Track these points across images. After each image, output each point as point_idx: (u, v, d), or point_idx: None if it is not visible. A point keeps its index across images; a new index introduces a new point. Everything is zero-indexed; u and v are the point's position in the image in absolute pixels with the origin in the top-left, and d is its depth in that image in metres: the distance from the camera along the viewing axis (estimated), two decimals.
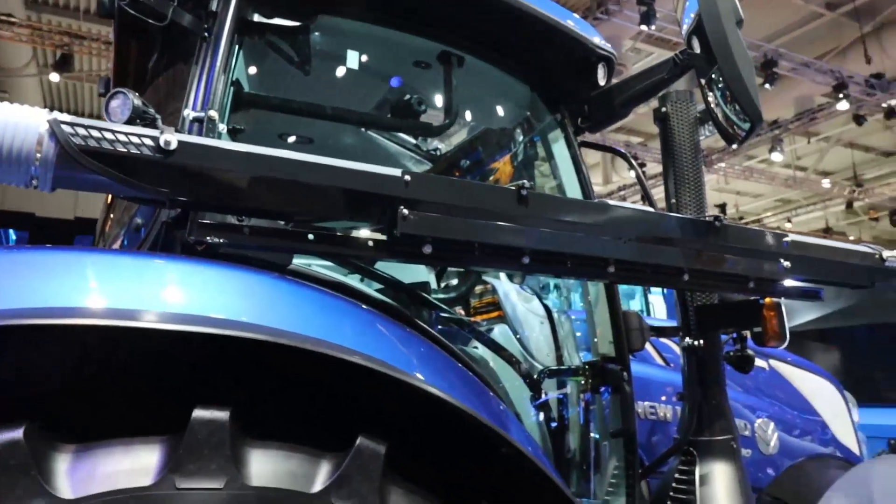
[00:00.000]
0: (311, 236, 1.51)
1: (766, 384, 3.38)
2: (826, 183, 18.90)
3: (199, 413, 1.12)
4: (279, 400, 1.26)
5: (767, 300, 2.38)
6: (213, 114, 1.66)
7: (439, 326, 2.20)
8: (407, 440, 1.29)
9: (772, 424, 3.20)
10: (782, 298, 2.39)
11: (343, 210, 1.50)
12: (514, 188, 1.66)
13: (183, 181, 1.34)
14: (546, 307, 2.76)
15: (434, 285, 2.62)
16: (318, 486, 1.18)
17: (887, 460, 3.30)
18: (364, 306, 1.50)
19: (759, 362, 3.43)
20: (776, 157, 15.58)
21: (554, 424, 2.34)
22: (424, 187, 1.57)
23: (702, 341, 2.30)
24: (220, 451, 1.11)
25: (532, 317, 2.74)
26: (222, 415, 1.13)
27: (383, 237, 1.57)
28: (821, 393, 3.56)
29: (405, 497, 1.27)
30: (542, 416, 2.31)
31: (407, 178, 1.53)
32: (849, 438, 3.59)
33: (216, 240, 1.41)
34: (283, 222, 1.49)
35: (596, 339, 2.41)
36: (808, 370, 3.61)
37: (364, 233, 1.57)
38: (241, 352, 1.15)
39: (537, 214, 1.69)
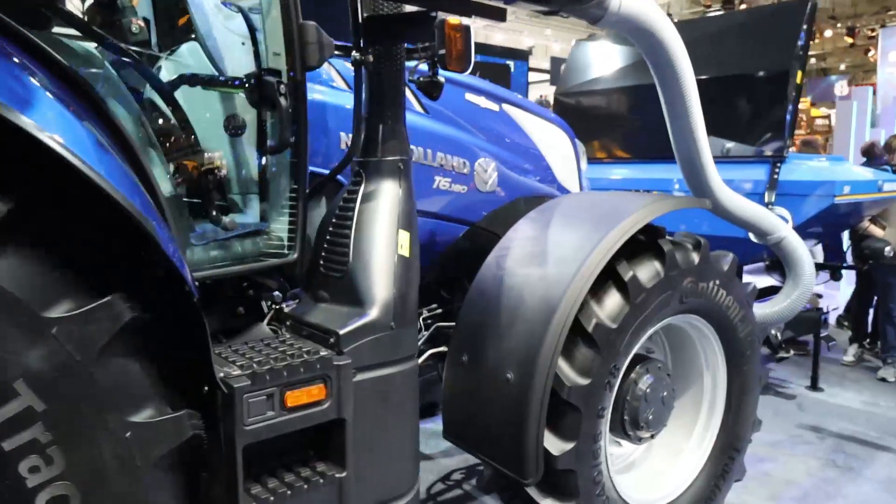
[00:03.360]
0: None
1: (495, 125, 3.44)
2: None
3: None
4: None
5: (452, 20, 2.27)
6: None
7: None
8: None
9: (493, 164, 3.31)
10: (470, 18, 2.29)
11: None
12: None
13: None
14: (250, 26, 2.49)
15: None
16: None
17: (577, 195, 3.60)
18: None
19: (488, 104, 3.46)
20: None
21: (211, 142, 2.19)
22: None
23: (370, 56, 2.18)
24: None
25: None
26: None
27: None
28: (551, 139, 3.71)
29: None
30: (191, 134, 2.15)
31: None
32: (572, 183, 3.85)
33: None
34: None
35: (271, 52, 2.21)
36: (542, 117, 3.71)
37: None
38: None
39: None
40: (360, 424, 1.98)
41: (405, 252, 2.21)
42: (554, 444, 2.45)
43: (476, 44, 2.38)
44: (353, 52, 2.17)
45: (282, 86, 2.08)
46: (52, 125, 1.33)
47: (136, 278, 1.48)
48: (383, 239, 2.19)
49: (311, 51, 2.19)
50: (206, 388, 1.70)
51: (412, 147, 2.75)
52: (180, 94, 2.13)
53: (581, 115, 6.22)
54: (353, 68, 2.29)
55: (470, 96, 3.35)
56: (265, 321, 2.32)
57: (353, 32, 2.19)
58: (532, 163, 3.60)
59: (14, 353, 1.30)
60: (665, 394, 2.87)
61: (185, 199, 2.06)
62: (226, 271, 2.11)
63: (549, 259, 2.64)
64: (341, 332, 2.03)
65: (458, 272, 3.19)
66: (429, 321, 3.15)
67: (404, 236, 2.22)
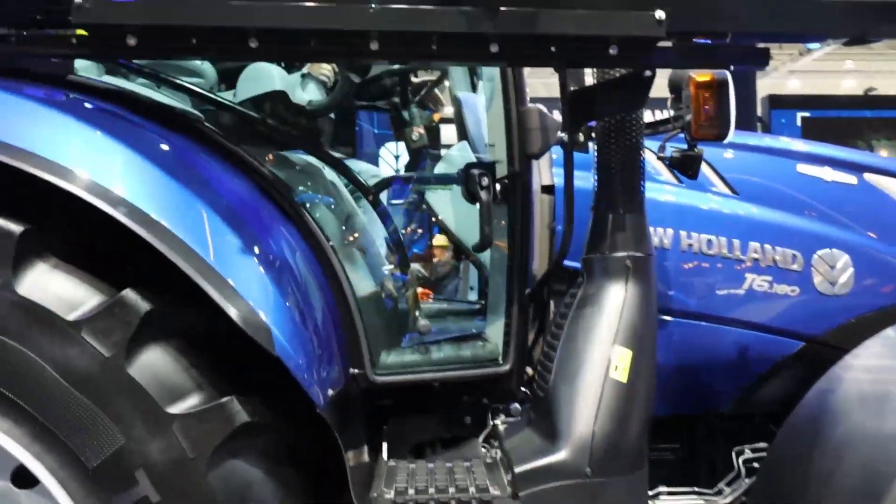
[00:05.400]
0: None
1: (850, 204, 2.50)
2: None
3: None
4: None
5: (700, 75, 1.77)
6: None
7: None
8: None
9: (845, 257, 2.40)
10: (725, 70, 1.76)
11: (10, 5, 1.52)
12: None
13: None
14: None
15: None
16: (74, 315, 1.35)
17: None
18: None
19: (838, 175, 2.54)
20: None
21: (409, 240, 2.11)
22: None
23: (579, 135, 1.81)
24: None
25: None
26: (14, 227, 1.33)
27: (83, 33, 1.56)
28: None
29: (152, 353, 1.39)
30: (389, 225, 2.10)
31: None
32: None
33: None
34: None
35: (488, 145, 2.06)
36: None
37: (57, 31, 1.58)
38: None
39: None
40: None
41: (620, 376, 1.71)
42: None
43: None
44: (559, 132, 1.84)
45: (484, 178, 1.88)
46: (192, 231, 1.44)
47: (255, 381, 1.47)
48: (591, 356, 1.74)
49: (533, 138, 1.96)
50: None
51: (712, 237, 2.20)
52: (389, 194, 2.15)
53: None
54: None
55: (805, 168, 2.52)
56: (481, 437, 2.07)
57: (562, 110, 1.88)
58: None
59: (138, 442, 1.41)
60: None
61: (382, 298, 2.02)
62: (427, 377, 1.97)
63: None
64: (518, 469, 1.65)
65: (770, 402, 2.36)
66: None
67: (622, 355, 1.73)
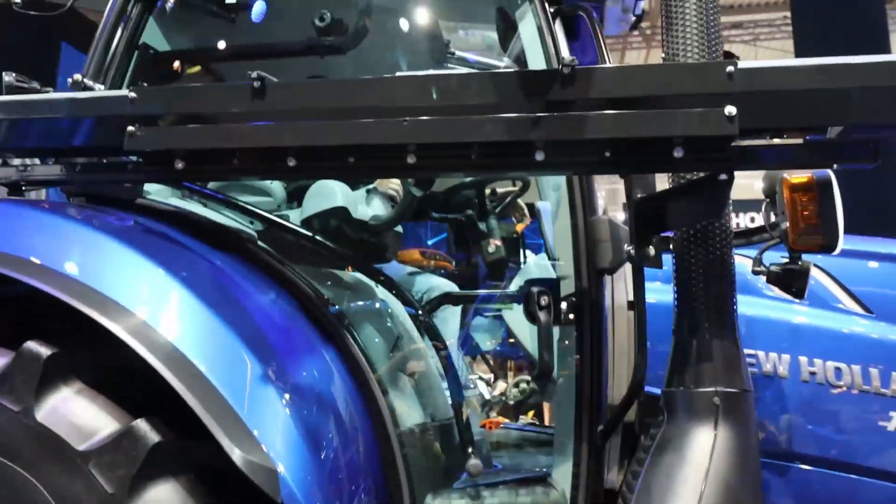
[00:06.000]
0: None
1: None
2: None
3: None
4: None
5: (795, 177, 1.52)
6: (77, 76, 1.94)
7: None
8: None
9: None
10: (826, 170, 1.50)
11: (76, 138, 1.60)
12: (248, 83, 1.50)
13: None
14: None
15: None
16: (85, 446, 1.29)
17: None
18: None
19: None
20: None
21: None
22: (151, 101, 1.55)
23: (650, 249, 1.56)
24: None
25: None
26: (42, 351, 1.31)
27: (135, 159, 1.62)
28: None
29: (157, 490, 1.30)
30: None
31: (132, 95, 1.55)
32: None
33: None
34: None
35: (555, 261, 1.87)
36: None
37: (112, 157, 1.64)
38: None
39: (282, 106, 1.49)
40: None
41: None
42: None
43: None
44: (627, 246, 1.60)
45: (543, 297, 1.68)
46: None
47: None
48: None
49: (603, 251, 1.75)
50: None
51: (842, 365, 1.86)
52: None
53: None
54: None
55: None
56: None
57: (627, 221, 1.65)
58: None
59: None
60: None
61: (430, 432, 1.81)
62: None
63: None
64: None
65: None
66: None
67: None
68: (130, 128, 1.51)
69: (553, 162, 1.41)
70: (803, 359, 2.01)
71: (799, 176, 1.49)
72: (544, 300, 1.67)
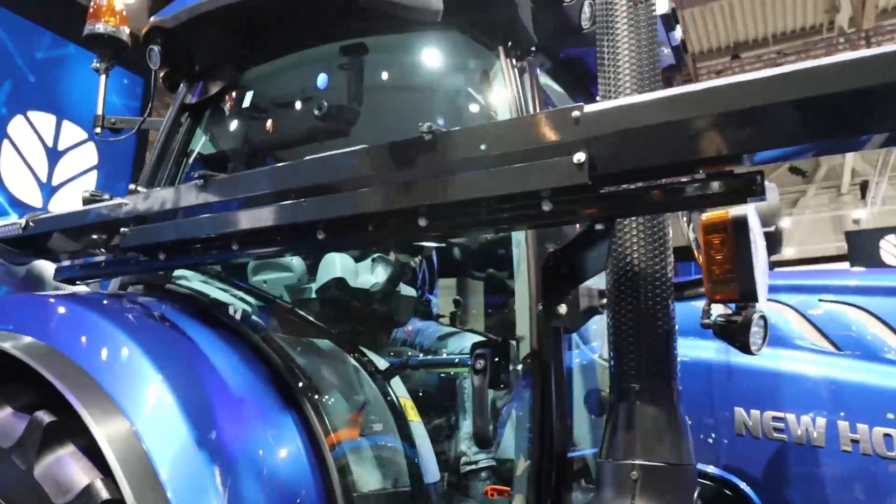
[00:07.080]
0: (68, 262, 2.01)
1: None
2: None
3: None
4: None
5: (707, 216, 1.37)
6: (131, 186, 2.32)
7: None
8: None
9: None
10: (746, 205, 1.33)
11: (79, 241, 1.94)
12: (195, 182, 1.72)
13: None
14: None
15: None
16: (62, 500, 1.54)
17: None
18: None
19: None
20: None
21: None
22: (143, 204, 1.83)
23: (563, 309, 1.43)
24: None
25: None
26: (45, 418, 1.60)
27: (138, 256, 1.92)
28: None
29: None
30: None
31: (125, 202, 1.86)
32: None
33: None
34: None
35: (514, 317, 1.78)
36: None
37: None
38: None
39: (218, 197, 1.68)
40: None
41: None
42: None
43: None
44: (539, 304, 1.49)
45: (479, 361, 1.62)
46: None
47: None
48: None
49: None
50: None
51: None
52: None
53: None
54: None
55: None
56: None
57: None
58: None
59: None
60: None
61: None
62: None
63: None
64: None
65: None
66: None
67: None
68: (124, 229, 1.81)
69: (436, 226, 1.41)
70: (843, 424, 1.67)
71: (715, 213, 1.29)
72: (479, 364, 1.61)
